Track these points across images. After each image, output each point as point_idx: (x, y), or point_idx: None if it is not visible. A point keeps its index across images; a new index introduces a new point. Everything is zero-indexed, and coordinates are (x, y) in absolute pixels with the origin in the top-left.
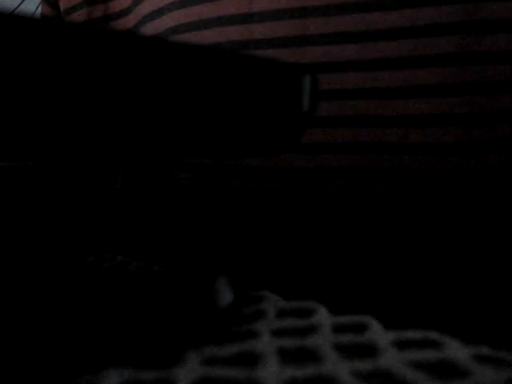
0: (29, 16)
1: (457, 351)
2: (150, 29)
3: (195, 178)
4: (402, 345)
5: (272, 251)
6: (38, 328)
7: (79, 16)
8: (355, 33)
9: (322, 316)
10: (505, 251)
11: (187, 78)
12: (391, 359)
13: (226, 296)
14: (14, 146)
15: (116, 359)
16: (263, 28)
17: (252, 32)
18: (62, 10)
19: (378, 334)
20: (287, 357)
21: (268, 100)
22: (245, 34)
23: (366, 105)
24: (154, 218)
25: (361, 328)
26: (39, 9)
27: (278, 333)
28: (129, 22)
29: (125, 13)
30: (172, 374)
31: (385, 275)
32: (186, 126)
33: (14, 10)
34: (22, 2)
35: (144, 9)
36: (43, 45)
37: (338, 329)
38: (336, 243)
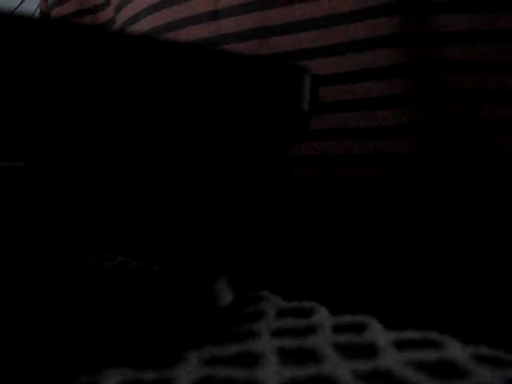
0: (29, 16)
1: (457, 351)
2: (124, 14)
3: (195, 177)
4: (402, 345)
5: (272, 251)
6: (38, 328)
7: (67, 9)
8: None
9: (322, 316)
10: (505, 251)
11: (187, 78)
12: (391, 359)
13: (225, 296)
14: (16, 146)
15: (116, 359)
16: (230, 23)
17: (220, 28)
18: (53, 19)
19: (378, 334)
20: (287, 357)
21: (268, 100)
22: (214, 30)
23: (327, 92)
24: (154, 218)
25: (361, 328)
26: (39, 9)
27: (277, 333)
28: (109, 13)
29: (110, 23)
30: (172, 374)
31: (384, 275)
32: (187, 126)
33: (14, 10)
34: (21, 2)
35: (123, 17)
36: (44, 45)
37: (338, 329)
38: (336, 243)
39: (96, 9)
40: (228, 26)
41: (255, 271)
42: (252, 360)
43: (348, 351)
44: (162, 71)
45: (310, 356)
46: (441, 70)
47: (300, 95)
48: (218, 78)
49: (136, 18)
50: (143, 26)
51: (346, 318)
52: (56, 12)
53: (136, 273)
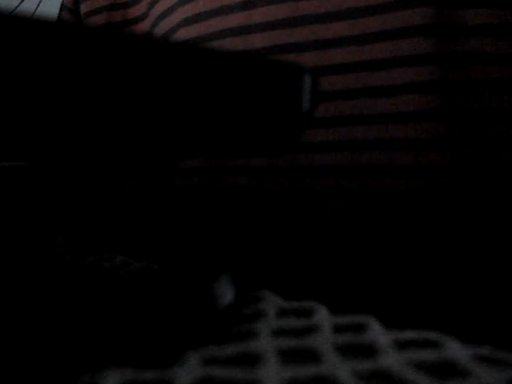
0: (29, 16)
1: (457, 351)
2: (162, 27)
3: (195, 178)
4: (402, 345)
5: (272, 251)
6: (38, 328)
7: (99, 20)
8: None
9: (322, 316)
10: (505, 251)
11: (187, 79)
12: (391, 359)
13: (225, 296)
14: (16, 146)
15: (116, 359)
16: (261, 13)
17: (251, 18)
18: (82, 13)
19: (378, 334)
20: (287, 357)
21: (268, 100)
22: (244, 20)
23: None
24: (154, 218)
25: (361, 328)
26: (39, 9)
27: (278, 333)
28: (145, 25)
29: (141, 18)
30: (172, 374)
31: (385, 275)
32: (188, 126)
33: (13, 10)
34: (21, 2)
35: (157, 11)
36: (44, 45)
37: (338, 329)
38: (336, 243)
39: (127, 4)
40: (259, 15)
41: (255, 271)
42: (252, 360)
43: (348, 351)
44: (160, 71)
45: (310, 356)
46: (471, 61)
47: (300, 95)
48: (218, 78)
49: (169, 11)
50: (176, 17)
51: (346, 318)
52: (87, 5)
53: (136, 273)
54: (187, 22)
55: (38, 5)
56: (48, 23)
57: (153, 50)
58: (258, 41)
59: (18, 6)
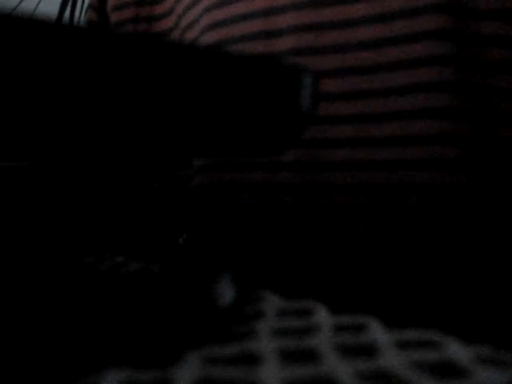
0: (29, 16)
1: (457, 351)
2: (187, 18)
3: (196, 178)
4: (402, 345)
5: (272, 251)
6: (38, 328)
7: (126, 14)
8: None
9: (322, 316)
10: (505, 251)
11: (187, 79)
12: (391, 359)
13: (226, 296)
14: (16, 146)
15: (116, 359)
16: (284, 19)
17: (274, 23)
18: (108, 7)
19: (378, 334)
20: (287, 357)
21: (268, 100)
22: (268, 26)
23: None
24: (154, 218)
25: (361, 328)
26: (39, 8)
27: (278, 333)
28: (168, 22)
29: (166, 14)
30: (172, 374)
31: (385, 275)
32: (187, 126)
33: (13, 10)
34: (21, 2)
35: (184, 22)
36: (45, 45)
37: (338, 329)
38: (336, 243)
39: (155, 1)
40: (282, 22)
41: (255, 271)
42: (252, 360)
43: (348, 351)
44: (160, 71)
45: (310, 356)
46: (485, 70)
47: (300, 95)
48: (219, 78)
49: (196, 20)
50: (201, 25)
51: (346, 318)
52: (113, 1)
53: (136, 273)
54: (211, 30)
55: (38, 4)
56: (48, 23)
57: (152, 50)
58: (281, 22)
59: (17, 5)
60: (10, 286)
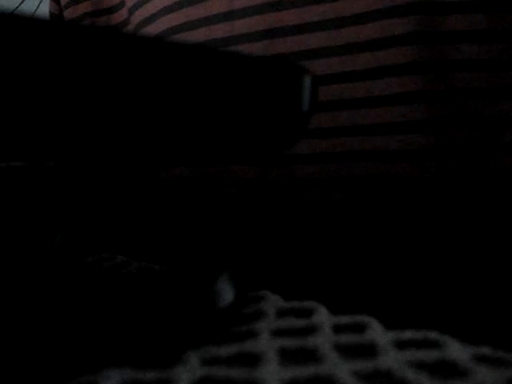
0: (29, 16)
1: (457, 351)
2: (138, 14)
3: (196, 178)
4: (402, 345)
5: (272, 251)
6: (38, 328)
7: (81, 9)
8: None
9: (322, 316)
10: (505, 251)
11: (186, 78)
12: (391, 359)
13: (226, 296)
14: (16, 146)
15: (116, 359)
16: (243, 24)
17: (233, 28)
18: (65, 19)
19: (378, 333)
20: (287, 357)
21: (268, 100)
22: (227, 30)
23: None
24: (154, 218)
25: (361, 328)
26: (39, 9)
27: (278, 333)
28: (120, 16)
29: (124, 24)
30: (172, 374)
31: (384, 275)
32: (188, 126)
33: (13, 10)
34: (22, 2)
35: (138, 17)
36: (45, 45)
37: (338, 329)
38: (336, 243)
39: (111, 10)
40: (241, 26)
41: (255, 271)
42: (252, 360)
43: (348, 351)
44: (160, 71)
45: (310, 356)
46: (454, 68)
47: (300, 95)
48: (218, 78)
49: (152, 18)
50: (159, 26)
51: (346, 318)
52: (70, 12)
53: (136, 273)
54: (170, 32)
55: (39, 5)
56: (49, 23)
57: (151, 50)
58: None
59: (18, 6)
60: (11, 286)
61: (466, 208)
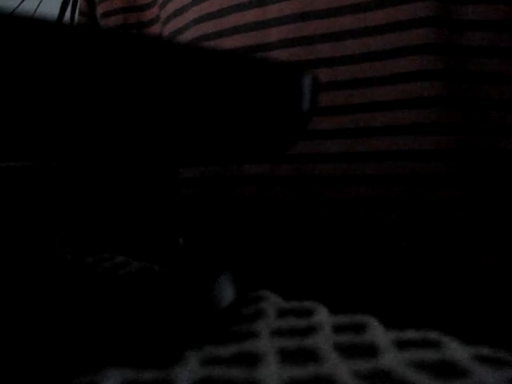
0: (29, 16)
1: (457, 351)
2: (172, 26)
3: (196, 178)
4: (402, 345)
5: (272, 251)
6: (38, 328)
7: (115, 21)
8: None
9: (322, 316)
10: (505, 251)
11: (186, 79)
12: (391, 359)
13: (226, 296)
14: (16, 146)
15: (116, 359)
16: (277, 32)
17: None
18: (98, 15)
19: (378, 333)
20: (287, 357)
21: (268, 100)
22: (260, 38)
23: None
24: (154, 218)
25: (361, 328)
26: (39, 9)
27: (278, 333)
28: (158, 27)
29: (155, 20)
30: (172, 374)
31: (384, 275)
32: (188, 126)
33: (13, 10)
34: (21, 2)
35: (168, 10)
36: (45, 45)
37: (338, 329)
38: (336, 243)
39: (142, 7)
40: (275, 34)
41: (255, 271)
42: (252, 360)
43: (348, 351)
44: (160, 70)
45: (310, 356)
46: (475, 81)
47: (300, 95)
48: (218, 78)
49: (181, 10)
50: (188, 16)
51: (346, 318)
52: (102, 7)
53: (136, 273)
54: (199, 20)
55: (39, 5)
56: (49, 23)
57: (151, 51)
58: (272, 35)
59: (18, 6)
60: (11, 286)
61: (465, 208)
